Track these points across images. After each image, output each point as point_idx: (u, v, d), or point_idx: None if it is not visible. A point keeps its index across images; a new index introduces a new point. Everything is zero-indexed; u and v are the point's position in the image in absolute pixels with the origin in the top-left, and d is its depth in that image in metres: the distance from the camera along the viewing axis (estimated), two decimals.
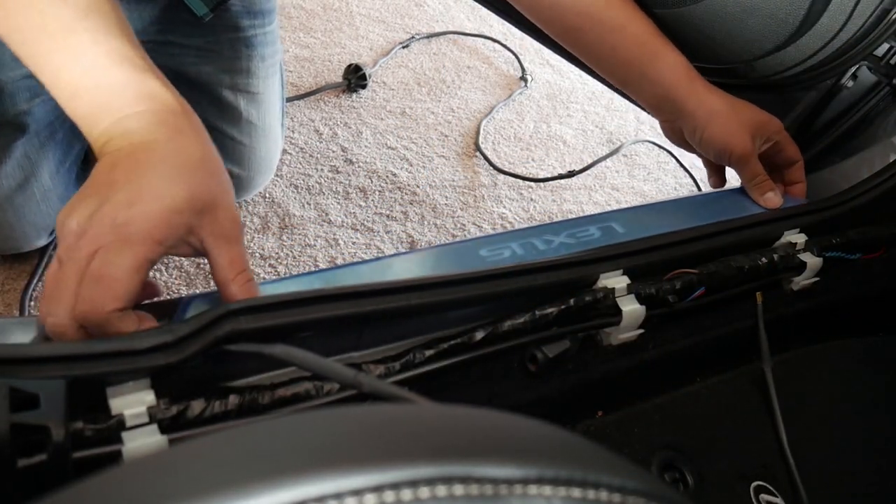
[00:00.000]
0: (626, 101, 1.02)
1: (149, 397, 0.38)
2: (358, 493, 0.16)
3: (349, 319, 0.44)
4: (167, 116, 0.46)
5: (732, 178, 1.52)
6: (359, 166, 1.25)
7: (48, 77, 0.45)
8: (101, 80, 0.44)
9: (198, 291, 0.48)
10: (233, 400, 0.41)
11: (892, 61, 0.73)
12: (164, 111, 0.46)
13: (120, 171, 0.42)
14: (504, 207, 1.26)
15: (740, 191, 0.69)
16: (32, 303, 0.92)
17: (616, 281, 0.54)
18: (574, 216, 1.28)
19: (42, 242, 0.94)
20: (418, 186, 1.25)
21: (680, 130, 0.72)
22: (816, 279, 0.65)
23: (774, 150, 0.70)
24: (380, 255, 1.11)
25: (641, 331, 0.56)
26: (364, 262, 0.53)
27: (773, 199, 0.66)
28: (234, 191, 0.64)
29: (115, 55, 0.45)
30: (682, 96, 0.68)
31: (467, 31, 1.67)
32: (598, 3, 0.68)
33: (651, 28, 0.69)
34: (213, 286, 0.47)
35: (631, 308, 0.53)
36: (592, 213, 1.31)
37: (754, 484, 0.57)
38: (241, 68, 0.96)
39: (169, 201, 0.41)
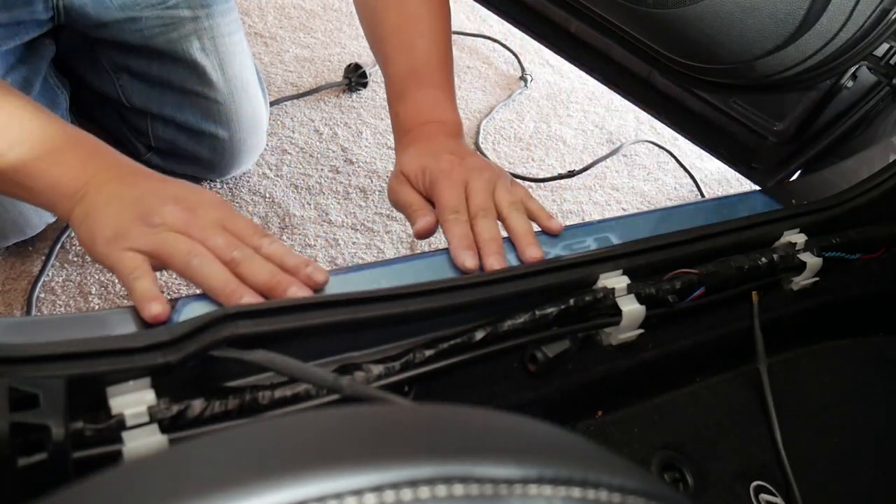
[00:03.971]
0: (626, 102, 1.03)
1: (149, 397, 0.38)
2: (358, 492, 0.16)
3: (347, 325, 0.44)
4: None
5: (728, 188, 1.52)
6: (359, 166, 1.25)
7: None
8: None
9: (197, 292, 0.48)
10: (233, 400, 0.41)
11: (891, 61, 0.73)
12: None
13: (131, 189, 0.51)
14: None
15: (738, 198, 0.69)
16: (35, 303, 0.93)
17: (616, 281, 0.54)
18: (574, 216, 1.29)
19: (41, 225, 0.94)
20: None
21: None
22: (816, 279, 0.65)
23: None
24: (380, 255, 1.11)
25: (641, 331, 0.56)
26: (358, 269, 0.53)
27: (420, 223, 0.59)
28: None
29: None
30: (398, 142, 0.69)
31: (467, 31, 1.67)
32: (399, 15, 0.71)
33: (422, 58, 0.70)
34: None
35: (631, 308, 0.53)
36: (592, 213, 1.31)
37: (754, 484, 0.57)
38: (204, 27, 0.99)
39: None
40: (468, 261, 0.53)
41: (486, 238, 0.55)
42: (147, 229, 0.47)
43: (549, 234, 0.59)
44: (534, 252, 0.55)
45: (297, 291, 0.47)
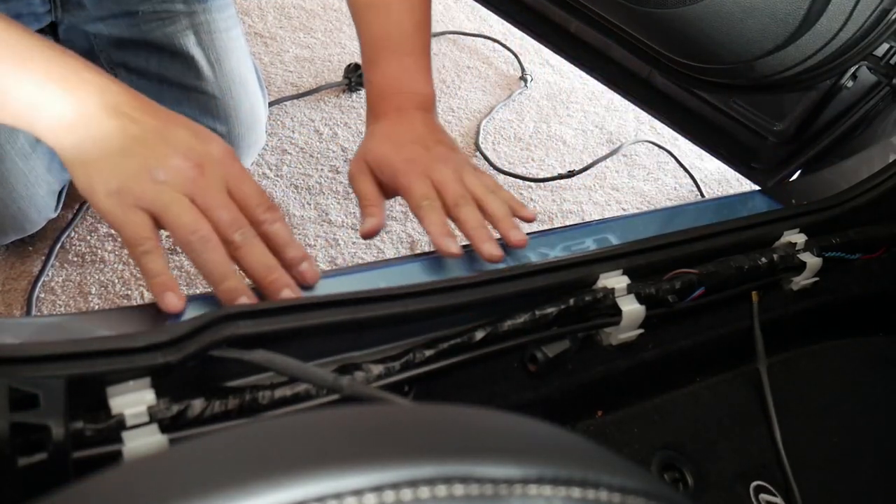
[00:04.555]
0: (626, 102, 1.03)
1: (149, 397, 0.38)
2: (358, 492, 0.16)
3: (347, 325, 0.44)
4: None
5: (728, 188, 1.52)
6: None
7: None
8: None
9: (198, 292, 0.48)
10: (233, 400, 0.41)
11: (891, 61, 0.73)
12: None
13: (132, 132, 0.47)
14: None
15: (738, 198, 0.69)
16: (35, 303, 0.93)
17: (616, 281, 0.54)
18: (574, 216, 1.29)
19: (41, 222, 0.94)
20: None
21: None
22: (816, 279, 0.65)
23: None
24: (380, 255, 1.11)
25: (641, 331, 0.56)
26: (358, 271, 0.53)
27: (367, 224, 0.58)
28: None
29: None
30: (368, 111, 0.67)
31: (467, 31, 1.67)
32: None
33: (396, 25, 0.67)
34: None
35: (631, 308, 0.53)
36: (592, 213, 1.31)
37: (754, 484, 0.57)
38: (201, 22, 0.99)
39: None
40: (452, 246, 0.53)
41: (474, 226, 0.54)
42: (152, 185, 0.45)
43: (524, 221, 0.58)
44: (517, 235, 0.55)
45: (289, 294, 0.46)
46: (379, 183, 0.61)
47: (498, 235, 0.56)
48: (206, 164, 0.48)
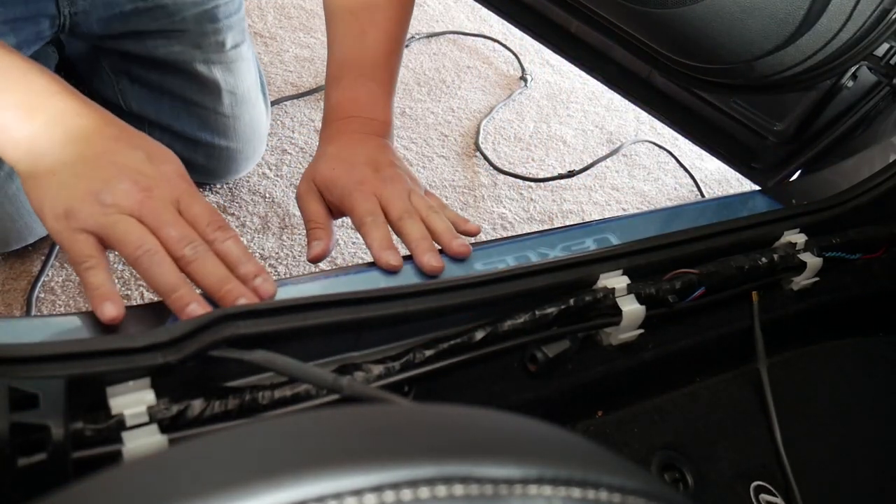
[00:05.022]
0: (626, 102, 1.03)
1: (149, 397, 0.38)
2: (358, 493, 0.16)
3: (348, 325, 0.44)
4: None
5: (728, 188, 1.52)
6: None
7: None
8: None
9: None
10: (233, 400, 0.41)
11: (892, 61, 0.73)
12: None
13: (86, 155, 0.48)
14: (504, 207, 1.26)
15: (739, 198, 0.69)
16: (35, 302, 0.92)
17: (616, 281, 0.54)
18: (574, 216, 1.29)
19: (44, 232, 0.94)
20: None
21: None
22: (816, 279, 0.65)
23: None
24: None
25: (641, 331, 0.56)
26: (358, 271, 0.53)
27: (314, 249, 0.59)
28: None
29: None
30: (323, 130, 0.67)
31: (467, 31, 1.67)
32: (344, 6, 0.69)
33: (370, 49, 0.68)
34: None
35: (631, 308, 0.53)
36: (592, 213, 1.31)
37: (754, 484, 0.57)
38: (210, 41, 0.99)
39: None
40: (392, 258, 0.53)
41: (416, 237, 0.55)
42: (98, 209, 0.46)
43: (467, 235, 0.58)
44: (460, 244, 0.55)
45: (245, 301, 0.46)
46: (327, 203, 0.61)
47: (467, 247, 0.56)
48: (155, 187, 0.48)
